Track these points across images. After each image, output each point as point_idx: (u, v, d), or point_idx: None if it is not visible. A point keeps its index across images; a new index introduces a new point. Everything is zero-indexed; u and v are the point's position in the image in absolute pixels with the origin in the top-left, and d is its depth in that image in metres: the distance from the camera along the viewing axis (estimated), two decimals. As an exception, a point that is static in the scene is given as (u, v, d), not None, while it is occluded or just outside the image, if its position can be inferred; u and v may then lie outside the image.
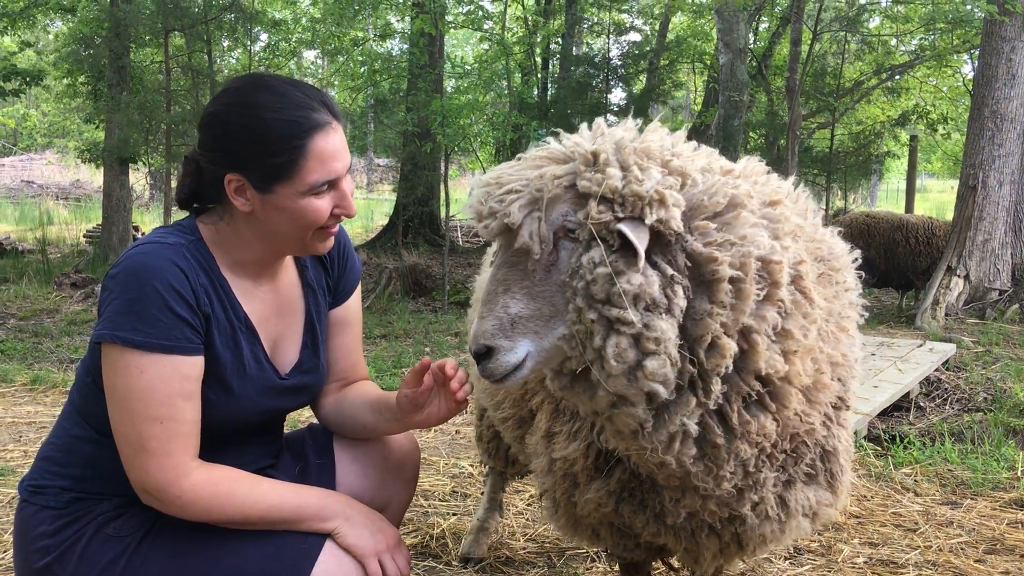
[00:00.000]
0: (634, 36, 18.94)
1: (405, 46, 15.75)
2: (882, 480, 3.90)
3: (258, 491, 1.77)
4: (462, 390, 1.88)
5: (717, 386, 1.54)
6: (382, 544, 1.83)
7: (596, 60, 17.13)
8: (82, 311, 9.04)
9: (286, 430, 2.17)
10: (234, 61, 17.30)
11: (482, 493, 3.28)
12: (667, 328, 1.47)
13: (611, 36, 17.79)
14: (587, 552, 3.05)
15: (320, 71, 23.47)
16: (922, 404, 5.37)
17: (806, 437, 1.79)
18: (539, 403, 2.08)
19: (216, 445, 1.81)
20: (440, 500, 3.60)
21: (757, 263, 1.51)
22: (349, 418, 2.07)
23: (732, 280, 1.49)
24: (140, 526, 1.79)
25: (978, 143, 9.43)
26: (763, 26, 17.68)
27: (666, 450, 1.58)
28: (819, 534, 3.22)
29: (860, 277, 1.90)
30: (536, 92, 16.23)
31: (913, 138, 15.41)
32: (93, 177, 25.14)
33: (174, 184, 12.49)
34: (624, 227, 1.47)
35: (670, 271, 1.49)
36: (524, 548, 3.14)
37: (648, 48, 17.71)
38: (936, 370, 5.88)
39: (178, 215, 7.54)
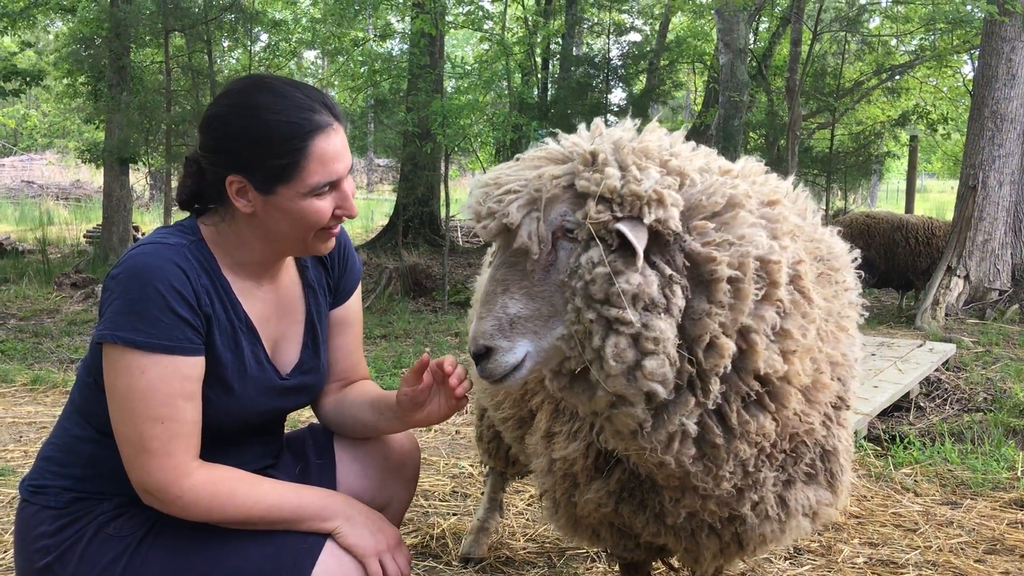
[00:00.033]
0: (634, 36, 18.96)
1: (405, 46, 15.76)
2: (882, 480, 3.90)
3: (259, 491, 1.77)
4: (461, 386, 1.89)
5: (716, 386, 1.54)
6: (383, 544, 1.83)
7: (596, 60, 17.14)
8: (82, 311, 9.05)
9: (286, 430, 2.18)
10: (234, 61, 17.31)
11: (482, 493, 3.28)
12: (666, 328, 1.47)
13: (611, 36, 17.80)
14: (587, 552, 3.06)
15: (320, 71, 23.49)
16: (922, 404, 5.38)
17: (806, 437, 1.79)
18: (539, 403, 2.08)
19: (217, 445, 1.81)
20: (440, 500, 3.61)
21: (755, 263, 1.51)
22: (350, 417, 2.08)
23: (730, 280, 1.49)
24: (141, 526, 1.79)
25: (978, 143, 9.43)
26: (763, 26, 17.69)
27: (665, 450, 1.58)
28: (819, 534, 3.23)
29: (860, 277, 1.90)
30: (536, 92, 16.25)
31: (913, 138, 15.41)
32: (93, 177, 25.15)
33: (174, 184, 12.51)
34: (623, 227, 1.47)
35: (668, 271, 1.49)
36: (524, 548, 3.14)
37: (648, 48, 17.72)
38: (936, 370, 5.88)
39: (178, 215, 7.55)
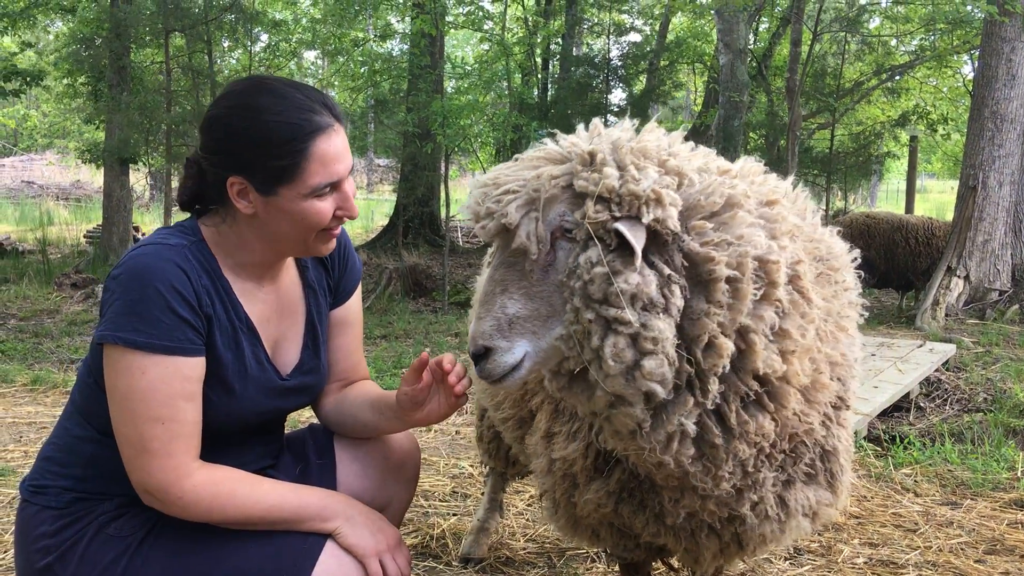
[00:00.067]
0: (634, 37, 18.97)
1: (405, 47, 15.78)
2: (882, 480, 3.90)
3: (259, 491, 1.78)
4: (460, 384, 1.89)
5: (715, 386, 1.54)
6: (383, 544, 1.83)
7: (596, 61, 17.15)
8: (82, 311, 9.05)
9: (287, 430, 2.18)
10: (234, 62, 17.31)
11: (482, 493, 3.28)
12: (664, 328, 1.47)
13: (611, 37, 17.81)
14: (587, 552, 3.06)
15: (320, 72, 23.49)
16: (922, 404, 5.38)
17: (805, 437, 1.79)
18: (539, 403, 2.08)
19: (217, 445, 1.82)
20: (440, 500, 3.61)
21: (754, 263, 1.51)
22: (350, 417, 2.08)
23: (729, 280, 1.49)
24: (141, 526, 1.80)
25: (978, 143, 9.43)
26: (763, 26, 17.69)
27: (664, 450, 1.58)
28: (819, 534, 3.23)
29: (860, 277, 1.90)
30: (536, 93, 16.25)
31: (913, 138, 15.41)
32: (93, 177, 25.16)
33: (174, 185, 12.52)
34: (621, 226, 1.47)
35: (667, 271, 1.49)
36: (524, 548, 3.14)
37: (648, 49, 17.72)
38: (936, 370, 5.89)
39: (178, 216, 7.55)
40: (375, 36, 16.44)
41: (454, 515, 3.42)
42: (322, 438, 2.14)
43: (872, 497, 3.68)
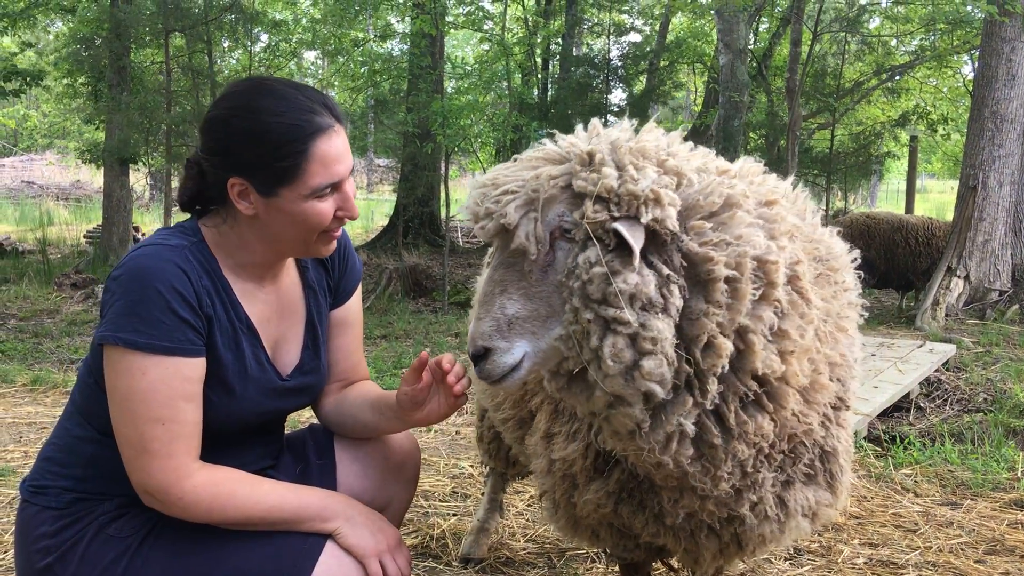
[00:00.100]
0: (634, 37, 18.98)
1: (405, 47, 15.77)
2: (882, 481, 3.90)
3: (259, 492, 1.78)
4: (459, 384, 1.89)
5: (713, 386, 1.54)
6: (383, 544, 1.84)
7: (596, 61, 17.16)
8: (82, 312, 9.05)
9: (287, 431, 2.18)
10: (234, 62, 17.32)
11: (482, 494, 3.28)
12: (663, 328, 1.47)
13: (611, 37, 17.81)
14: (587, 552, 3.06)
15: (320, 72, 23.49)
16: (922, 405, 5.38)
17: (804, 438, 1.79)
18: (539, 404, 2.08)
19: (217, 446, 1.82)
20: (440, 501, 3.61)
21: (753, 263, 1.51)
22: (350, 418, 2.08)
23: (728, 280, 1.50)
24: (141, 526, 1.80)
25: (978, 144, 9.43)
26: (763, 27, 17.70)
27: (663, 450, 1.58)
28: (819, 535, 3.23)
29: (860, 277, 1.90)
30: (536, 93, 16.26)
31: (913, 139, 15.42)
32: (93, 178, 25.16)
33: (175, 185, 12.53)
34: (620, 226, 1.47)
35: (666, 271, 1.49)
36: (524, 549, 3.14)
37: (648, 49, 17.73)
38: (936, 371, 5.89)
39: (179, 216, 7.55)
40: (375, 36, 16.44)
41: (454, 515, 3.42)
42: (322, 438, 2.14)
43: (872, 497, 3.68)
